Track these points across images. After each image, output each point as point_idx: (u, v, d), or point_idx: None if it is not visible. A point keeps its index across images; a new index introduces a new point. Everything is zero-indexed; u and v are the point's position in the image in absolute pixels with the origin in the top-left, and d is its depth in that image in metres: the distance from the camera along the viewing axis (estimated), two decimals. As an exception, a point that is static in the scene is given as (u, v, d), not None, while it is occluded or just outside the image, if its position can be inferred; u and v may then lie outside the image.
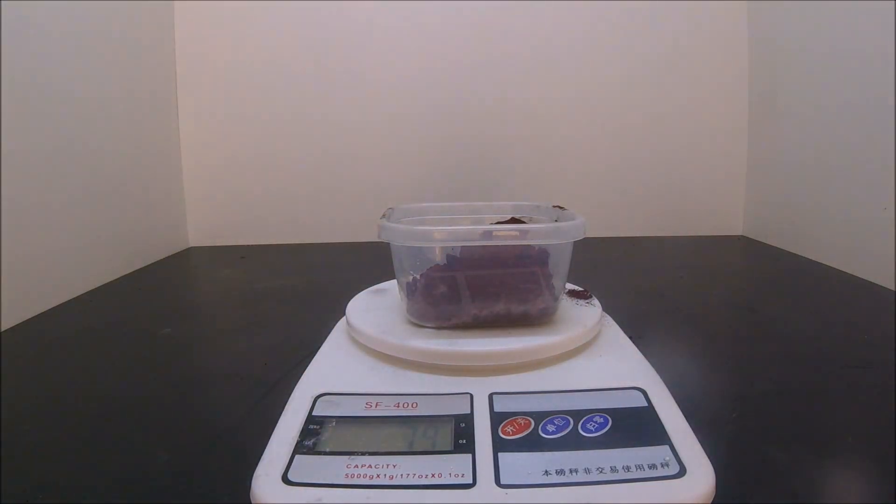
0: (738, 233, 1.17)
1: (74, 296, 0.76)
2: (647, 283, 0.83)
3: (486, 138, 1.11)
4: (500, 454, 0.32)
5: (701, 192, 1.16)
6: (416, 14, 1.06)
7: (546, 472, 0.31)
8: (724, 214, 1.17)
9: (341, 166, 1.08)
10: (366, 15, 1.06)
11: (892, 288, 0.74)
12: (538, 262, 0.44)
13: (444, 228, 0.41)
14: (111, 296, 0.79)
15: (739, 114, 1.14)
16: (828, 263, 0.88)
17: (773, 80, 1.05)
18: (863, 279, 0.80)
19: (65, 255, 0.75)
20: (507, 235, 0.40)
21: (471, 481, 0.30)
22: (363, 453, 0.32)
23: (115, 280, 0.85)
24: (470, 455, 0.32)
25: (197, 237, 1.11)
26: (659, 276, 0.87)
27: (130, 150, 0.91)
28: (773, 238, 1.06)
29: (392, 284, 0.51)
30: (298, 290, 0.81)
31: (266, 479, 0.31)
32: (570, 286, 0.50)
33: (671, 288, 0.80)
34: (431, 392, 0.37)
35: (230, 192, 1.09)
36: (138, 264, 0.93)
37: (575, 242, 0.43)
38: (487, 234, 0.40)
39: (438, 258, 0.43)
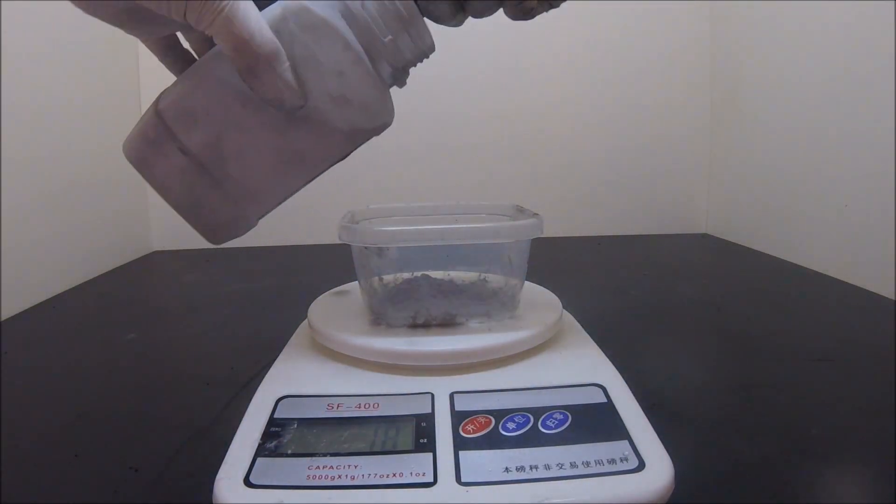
0: (702, 231, 1.18)
1: (36, 302, 0.75)
2: (610, 281, 0.84)
3: (450, 139, 1.11)
4: (460, 452, 0.32)
5: (664, 191, 1.17)
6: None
7: (506, 469, 0.31)
8: (687, 212, 1.18)
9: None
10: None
11: (853, 283, 0.76)
12: (497, 260, 0.44)
13: (401, 229, 0.41)
14: (74, 301, 0.78)
15: (702, 113, 1.15)
16: (790, 260, 0.90)
17: (735, 80, 1.07)
18: (824, 275, 0.81)
19: (26, 261, 0.73)
20: (464, 234, 0.41)
21: (432, 480, 0.30)
22: (325, 454, 0.32)
23: (78, 285, 0.84)
24: (431, 454, 0.32)
25: (160, 241, 1.10)
26: (623, 274, 0.88)
27: (92, 152, 0.90)
28: (736, 235, 1.08)
29: (354, 286, 0.51)
30: (262, 292, 0.80)
31: (228, 482, 0.30)
32: None
33: (635, 286, 0.81)
34: (393, 392, 0.37)
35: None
36: (101, 269, 0.91)
37: (538, 242, 0.43)
38: (444, 234, 0.40)
39: (397, 258, 0.43)
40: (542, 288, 0.50)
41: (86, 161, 0.88)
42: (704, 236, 1.16)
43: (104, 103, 0.95)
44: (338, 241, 0.42)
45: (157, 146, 0.36)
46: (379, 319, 0.43)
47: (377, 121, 0.39)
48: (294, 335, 0.47)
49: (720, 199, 1.15)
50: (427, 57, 0.40)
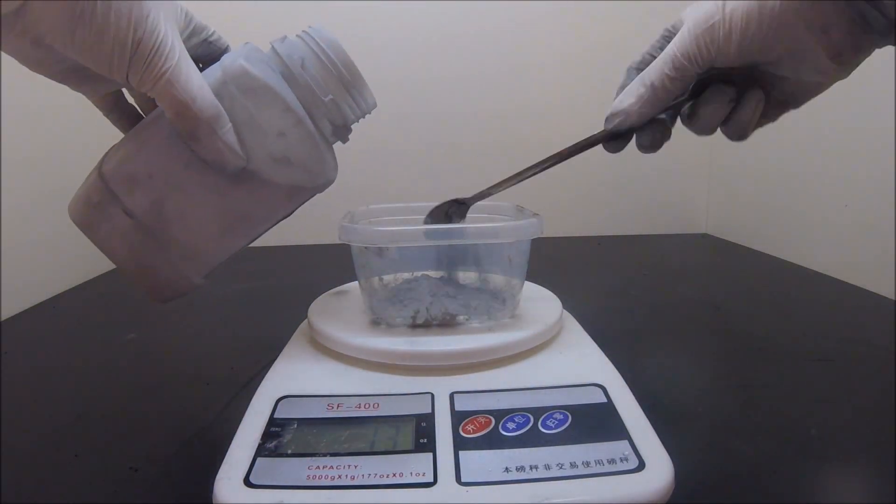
0: (702, 231, 1.18)
1: (37, 302, 0.75)
2: (610, 281, 0.84)
3: (450, 139, 1.11)
4: (460, 452, 0.32)
5: (664, 191, 1.17)
6: (379, 17, 1.06)
7: (506, 469, 0.31)
8: (687, 212, 1.18)
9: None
10: (327, 17, 1.05)
11: (854, 283, 0.76)
12: (497, 260, 0.44)
13: (401, 229, 0.41)
14: (74, 301, 0.78)
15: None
16: (790, 260, 0.90)
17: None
18: (824, 275, 0.81)
19: (26, 261, 0.73)
20: (464, 234, 0.41)
21: (432, 480, 0.30)
22: (325, 454, 0.32)
23: (78, 285, 0.84)
24: (431, 454, 0.32)
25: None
26: (623, 274, 0.88)
27: (92, 152, 0.89)
28: (736, 235, 1.08)
29: (354, 286, 0.51)
30: (262, 292, 0.80)
31: (228, 482, 0.31)
32: None
33: (635, 286, 0.81)
34: (393, 392, 0.37)
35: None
36: (101, 269, 0.91)
37: (538, 242, 0.43)
38: (444, 234, 0.40)
39: (397, 258, 0.44)
40: (542, 288, 0.50)
41: (86, 161, 0.88)
42: (704, 236, 1.15)
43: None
44: (338, 241, 0.42)
45: (101, 209, 0.37)
46: (379, 319, 0.43)
47: (319, 179, 0.40)
48: (294, 335, 0.47)
49: (720, 199, 1.14)
50: (369, 113, 0.40)
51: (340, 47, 0.37)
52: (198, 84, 0.33)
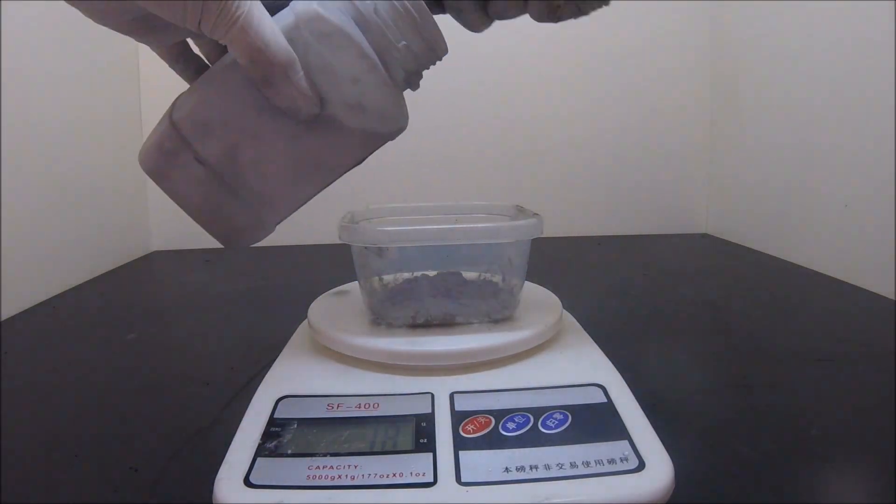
0: (702, 231, 1.18)
1: (37, 301, 0.75)
2: (610, 281, 0.84)
3: (450, 140, 1.11)
4: (460, 452, 0.32)
5: (664, 191, 1.17)
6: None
7: (506, 469, 0.31)
8: (687, 212, 1.18)
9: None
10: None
11: (854, 283, 0.76)
12: (497, 260, 0.44)
13: (401, 229, 0.41)
14: (74, 301, 0.78)
15: (702, 113, 1.15)
16: (790, 260, 0.90)
17: (736, 79, 1.07)
18: (824, 275, 0.81)
19: (26, 261, 0.73)
20: (464, 234, 0.41)
21: (431, 480, 0.30)
22: (325, 454, 0.32)
23: (79, 285, 0.84)
24: (431, 454, 0.32)
25: (160, 241, 1.10)
26: (623, 274, 0.88)
27: (92, 152, 0.90)
28: (736, 235, 1.08)
29: (354, 286, 0.51)
30: (263, 292, 0.80)
31: (228, 482, 0.30)
32: None
33: (635, 286, 0.81)
34: (393, 392, 0.37)
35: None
36: (101, 269, 0.91)
37: (538, 242, 0.43)
38: (444, 234, 0.40)
39: (397, 258, 0.43)
40: (542, 288, 0.50)
41: (86, 161, 0.88)
42: (704, 236, 1.15)
43: (104, 103, 0.95)
44: (338, 241, 0.42)
45: (174, 156, 0.36)
46: (379, 319, 0.43)
47: (392, 126, 0.39)
48: (294, 335, 0.47)
49: (720, 199, 1.15)
50: (440, 59, 0.40)
51: None
52: (270, 30, 0.32)
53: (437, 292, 0.44)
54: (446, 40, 0.38)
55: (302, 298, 0.48)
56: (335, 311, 0.46)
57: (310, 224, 1.06)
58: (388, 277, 0.46)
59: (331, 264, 0.89)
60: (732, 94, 1.08)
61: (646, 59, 1.13)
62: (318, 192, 0.40)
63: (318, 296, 0.49)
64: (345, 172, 0.40)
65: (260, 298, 0.78)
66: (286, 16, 0.35)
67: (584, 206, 1.16)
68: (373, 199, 0.53)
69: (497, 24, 0.43)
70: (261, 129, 0.36)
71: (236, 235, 0.39)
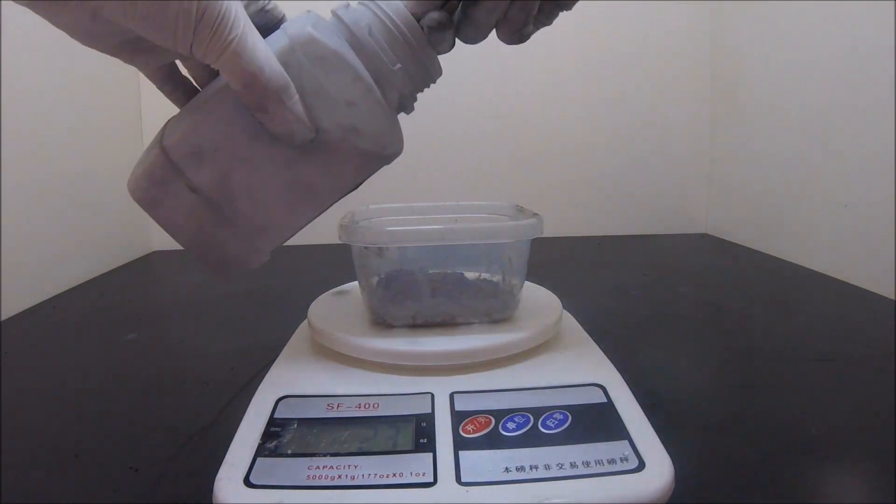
0: (702, 231, 1.18)
1: (37, 302, 0.75)
2: (611, 281, 0.84)
3: (450, 140, 1.11)
4: (460, 452, 0.32)
5: (664, 191, 1.17)
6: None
7: (506, 469, 0.31)
8: (687, 212, 1.18)
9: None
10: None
11: (854, 283, 0.76)
12: (497, 259, 0.44)
13: (401, 229, 0.41)
14: (75, 301, 0.78)
15: (702, 113, 1.15)
16: (790, 260, 0.90)
17: (735, 80, 1.07)
18: (824, 275, 0.81)
19: (27, 261, 0.73)
20: (464, 234, 0.41)
21: (431, 480, 0.30)
22: (325, 454, 0.32)
23: (78, 285, 0.84)
24: (431, 454, 0.32)
25: (160, 241, 1.10)
26: (623, 274, 0.88)
27: (92, 152, 0.90)
28: (736, 235, 1.08)
29: (354, 286, 0.51)
30: (263, 292, 0.80)
31: (228, 482, 0.30)
32: None
33: (635, 286, 0.81)
34: (393, 392, 0.37)
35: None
36: (101, 269, 0.91)
37: (538, 242, 0.43)
38: (444, 234, 0.40)
39: (397, 258, 0.43)
40: (542, 288, 0.50)
41: (86, 161, 0.88)
42: (704, 236, 1.15)
43: (105, 103, 0.95)
44: (338, 241, 0.41)
45: (165, 185, 0.35)
46: (379, 319, 0.43)
47: (388, 150, 0.38)
48: (294, 335, 0.47)
49: (720, 199, 1.14)
50: (434, 82, 0.39)
51: (406, 13, 0.36)
52: (264, 54, 0.32)
53: (437, 292, 0.44)
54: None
55: (302, 298, 0.48)
56: (335, 311, 0.46)
57: (310, 224, 1.06)
58: (388, 277, 0.46)
59: (331, 264, 0.89)
60: (732, 94, 1.08)
61: (646, 59, 1.13)
62: (314, 218, 0.40)
63: (318, 296, 0.49)
64: (340, 198, 0.39)
65: (260, 299, 0.78)
66: (279, 38, 0.35)
67: (584, 206, 1.16)
68: (373, 199, 0.53)
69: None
70: (254, 155, 0.35)
71: (231, 264, 0.38)
